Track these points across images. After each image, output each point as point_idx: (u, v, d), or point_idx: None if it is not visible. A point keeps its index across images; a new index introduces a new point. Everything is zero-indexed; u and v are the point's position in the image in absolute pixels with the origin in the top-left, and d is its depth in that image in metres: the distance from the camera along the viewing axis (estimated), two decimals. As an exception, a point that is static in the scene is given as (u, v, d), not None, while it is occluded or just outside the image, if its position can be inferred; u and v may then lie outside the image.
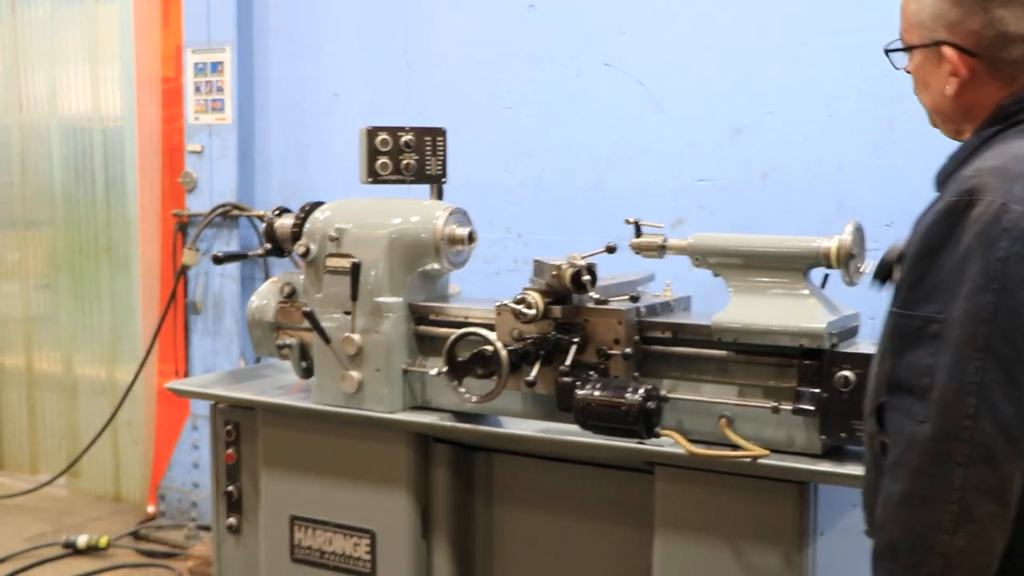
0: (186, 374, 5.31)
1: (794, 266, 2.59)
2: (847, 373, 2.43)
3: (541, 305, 2.66)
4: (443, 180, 3.17)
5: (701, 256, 2.69)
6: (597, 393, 2.53)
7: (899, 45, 1.97)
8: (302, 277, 3.14)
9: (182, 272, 5.20)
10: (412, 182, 3.16)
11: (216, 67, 5.10)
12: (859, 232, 2.63)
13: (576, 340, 2.64)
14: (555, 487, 2.85)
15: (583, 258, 2.65)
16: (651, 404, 2.49)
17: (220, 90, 5.10)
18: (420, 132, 3.15)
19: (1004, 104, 1.83)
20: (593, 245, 4.42)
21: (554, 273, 2.66)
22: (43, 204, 5.88)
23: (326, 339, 2.97)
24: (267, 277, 5.13)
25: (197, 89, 5.15)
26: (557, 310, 2.70)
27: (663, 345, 2.71)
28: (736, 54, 4.18)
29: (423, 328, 3.00)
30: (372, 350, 2.95)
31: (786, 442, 2.53)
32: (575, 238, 4.50)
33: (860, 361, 2.41)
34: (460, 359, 2.74)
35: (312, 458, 3.07)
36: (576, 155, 4.49)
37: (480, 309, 2.94)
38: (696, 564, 2.56)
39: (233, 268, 5.17)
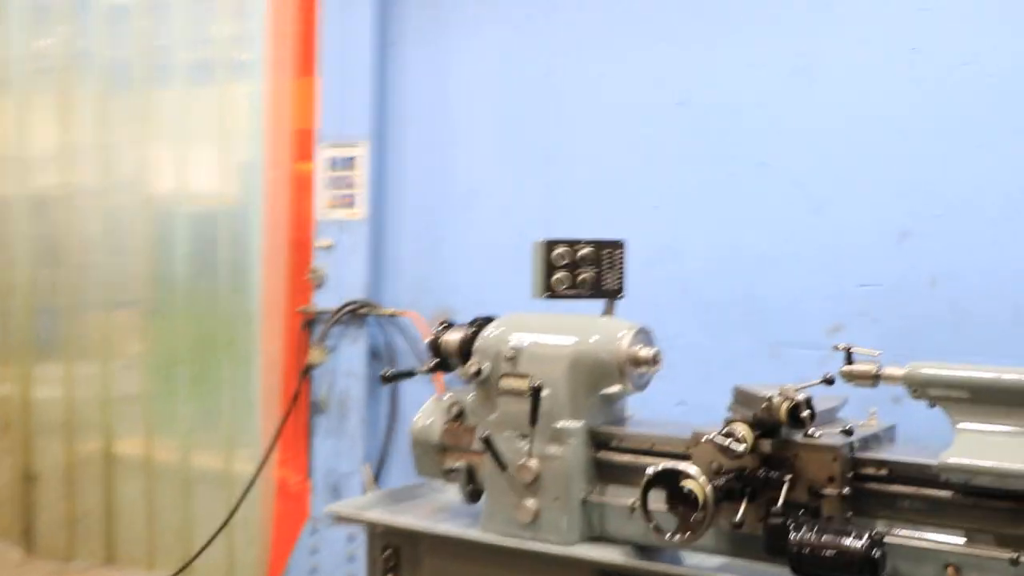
0: (307, 473, 5.17)
1: (1033, 401, 2.35)
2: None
3: (751, 440, 2.45)
4: (620, 295, 3.00)
5: (920, 387, 2.46)
6: (815, 537, 2.31)
7: None
8: (471, 396, 2.96)
9: (308, 370, 5.07)
10: (589, 297, 2.99)
11: (349, 161, 5.01)
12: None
13: (788, 478, 2.42)
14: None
15: (797, 390, 2.44)
16: (876, 552, 2.26)
17: (351, 184, 5.00)
18: (599, 245, 2.98)
19: None
20: (748, 352, 4.24)
21: (765, 406, 2.45)
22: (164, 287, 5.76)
23: (503, 466, 2.79)
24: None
25: (329, 184, 5.06)
26: (766, 444, 2.48)
27: (878, 483, 2.48)
28: (901, 152, 3.98)
29: (603, 455, 2.81)
30: (550, 477, 2.76)
31: None
32: (724, 344, 4.31)
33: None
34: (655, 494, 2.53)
35: None
36: (726, 257, 4.29)
37: (667, 436, 2.74)
38: None
39: (360, 367, 5.03)
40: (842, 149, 4.09)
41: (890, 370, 2.51)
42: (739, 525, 2.43)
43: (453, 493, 3.17)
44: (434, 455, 3.04)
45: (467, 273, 4.90)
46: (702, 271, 4.37)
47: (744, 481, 2.46)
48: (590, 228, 4.57)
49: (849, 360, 2.53)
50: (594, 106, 4.62)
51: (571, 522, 2.75)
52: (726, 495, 2.45)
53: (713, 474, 2.51)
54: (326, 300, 5.08)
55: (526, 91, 4.78)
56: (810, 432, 2.45)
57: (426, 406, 3.09)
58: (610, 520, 2.79)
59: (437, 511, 3.12)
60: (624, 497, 2.75)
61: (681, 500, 2.48)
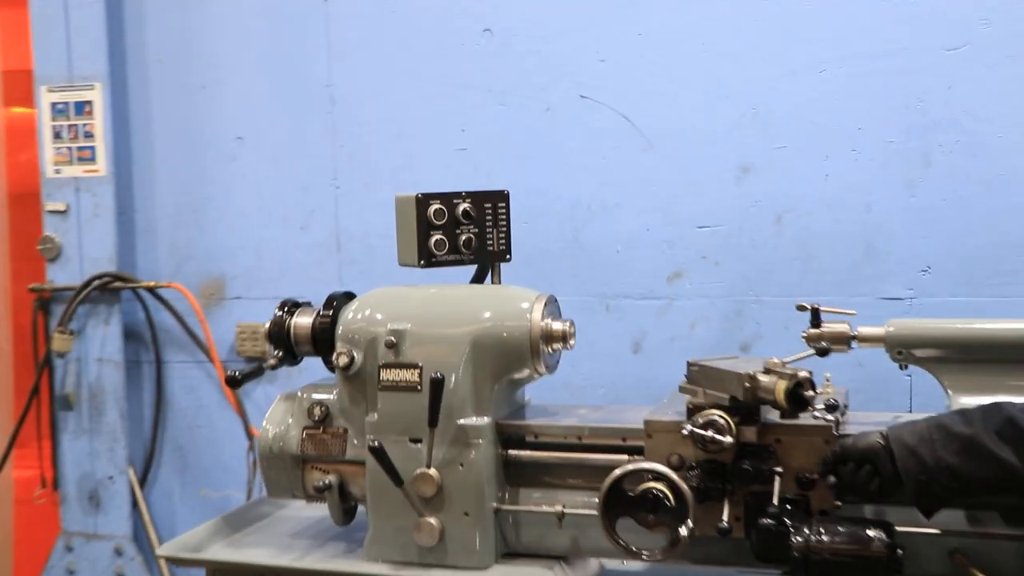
0: (54, 483, 4.35)
1: (1027, 358, 2.07)
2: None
3: (734, 429, 2.03)
4: (507, 258, 2.48)
5: (905, 348, 2.12)
6: (827, 540, 1.93)
7: None
8: (336, 393, 2.38)
9: (48, 359, 4.24)
10: (472, 262, 2.46)
11: (82, 108, 4.18)
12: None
13: (779, 471, 2.02)
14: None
15: (785, 364, 2.03)
16: (900, 550, 1.91)
17: (89, 135, 4.18)
18: (479, 198, 2.45)
19: None
20: (574, 305, 3.84)
21: (748, 386, 2.03)
22: None
23: (399, 480, 2.24)
24: (158, 358, 4.28)
25: (57, 135, 4.20)
26: (750, 432, 2.07)
27: (859, 466, 2.12)
28: (740, 82, 3.67)
29: (515, 453, 2.31)
30: (456, 489, 2.24)
31: None
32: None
33: None
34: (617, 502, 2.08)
35: None
36: (549, 203, 3.85)
37: (596, 426, 2.29)
38: None
39: (115, 353, 4.25)
40: (672, 79, 3.73)
41: (867, 330, 2.17)
42: (727, 532, 2.02)
43: (308, 511, 2.60)
44: (292, 470, 2.44)
45: (239, 235, 4.23)
46: (518, 218, 3.90)
47: (724, 477, 2.05)
48: (386, 176, 4.05)
49: (816, 321, 2.15)
50: (385, 36, 4.03)
51: (485, 539, 2.25)
52: (704, 495, 2.03)
53: (673, 468, 2.08)
54: (65, 275, 4.24)
55: (302, 20, 4.12)
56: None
57: (275, 409, 2.48)
58: (527, 531, 2.32)
59: (295, 538, 2.53)
60: (542, 503, 2.28)
61: (653, 509, 2.04)
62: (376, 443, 2.22)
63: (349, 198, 4.08)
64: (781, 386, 2.03)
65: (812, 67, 3.59)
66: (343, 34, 4.07)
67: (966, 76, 3.46)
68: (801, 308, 2.24)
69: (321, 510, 2.63)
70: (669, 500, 2.03)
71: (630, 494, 2.07)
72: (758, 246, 3.69)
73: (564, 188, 3.85)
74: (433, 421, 2.23)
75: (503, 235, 2.48)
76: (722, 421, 2.06)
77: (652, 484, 2.08)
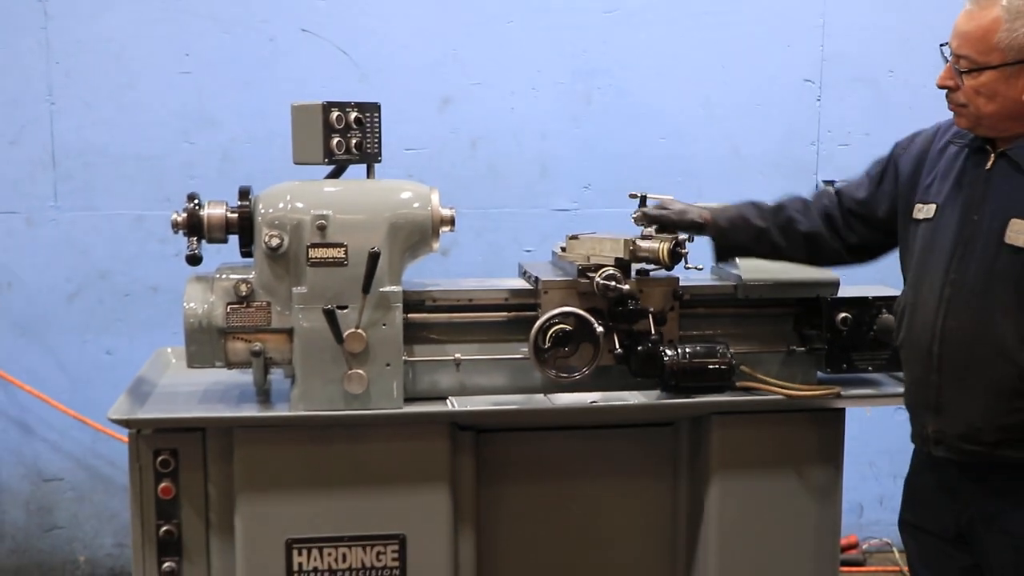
0: None
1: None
2: (846, 314, 2.90)
3: (624, 280, 2.74)
4: (379, 159, 2.96)
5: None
6: (687, 358, 2.72)
7: (969, 67, 2.34)
8: (256, 272, 2.72)
9: None
10: (358, 162, 2.91)
11: None
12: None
13: (651, 310, 2.76)
14: (567, 455, 2.93)
15: (643, 237, 2.78)
16: (733, 361, 2.76)
17: None
18: (363, 107, 2.90)
19: None
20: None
21: (632, 248, 2.75)
22: None
23: (340, 338, 2.66)
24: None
25: None
26: (632, 283, 2.78)
27: (690, 307, 2.96)
28: (442, 26, 4.33)
29: (414, 316, 2.83)
30: (380, 344, 2.71)
31: (802, 379, 2.95)
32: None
33: (854, 303, 2.90)
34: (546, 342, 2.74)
35: (314, 472, 2.73)
36: (270, 125, 4.24)
37: (482, 290, 2.88)
38: (754, 496, 2.89)
39: None
40: (385, 19, 4.29)
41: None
42: (622, 355, 2.74)
43: (207, 377, 2.91)
44: (216, 341, 2.73)
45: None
46: (242, 143, 4.27)
47: (605, 319, 2.75)
48: (105, 95, 4.21)
49: (644, 204, 2.89)
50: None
51: (399, 385, 2.74)
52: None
53: (563, 317, 2.74)
54: None
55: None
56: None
57: (194, 289, 2.73)
58: (422, 378, 2.84)
59: (220, 399, 2.86)
60: (435, 354, 2.83)
61: (566, 343, 2.70)
62: (330, 307, 2.63)
63: (66, 115, 4.15)
64: (664, 247, 2.76)
65: (502, 17, 4.35)
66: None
67: (618, 34, 4.42)
68: (633, 196, 2.97)
69: (194, 379, 2.98)
70: (580, 329, 2.70)
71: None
72: (457, 166, 4.39)
73: (285, 115, 4.25)
74: (367, 288, 2.67)
75: (377, 140, 2.94)
76: (618, 274, 2.75)
77: (560, 325, 2.72)
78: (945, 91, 2.41)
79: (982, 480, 2.41)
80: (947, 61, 2.38)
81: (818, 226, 2.75)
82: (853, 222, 2.72)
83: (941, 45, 2.39)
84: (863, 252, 2.74)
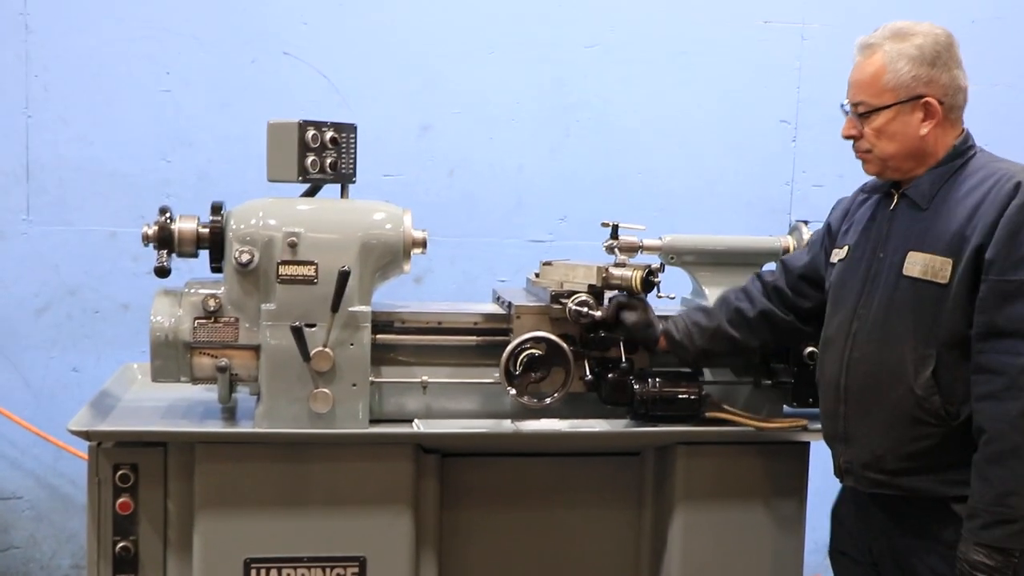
0: None
1: (757, 261, 3.01)
2: (812, 348, 2.90)
3: (597, 307, 2.75)
4: (353, 180, 2.96)
5: (676, 254, 2.97)
6: (657, 388, 2.72)
7: (866, 110, 2.47)
8: (225, 288, 2.70)
9: None
10: (332, 181, 2.90)
11: None
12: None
13: (622, 338, 2.76)
14: (532, 481, 2.92)
15: (615, 266, 2.79)
16: (703, 392, 2.76)
17: None
18: (339, 128, 2.90)
19: (956, 144, 2.51)
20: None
21: (604, 275, 2.75)
22: None
23: (307, 357, 2.64)
24: None
25: None
26: (604, 309, 2.79)
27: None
28: (423, 54, 4.36)
29: (383, 337, 2.81)
30: (347, 364, 2.69)
31: (769, 411, 2.95)
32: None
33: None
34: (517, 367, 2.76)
35: (275, 491, 2.70)
36: (249, 147, 4.24)
37: (453, 313, 2.87)
38: (717, 527, 2.89)
39: None
40: (367, 45, 4.31)
41: (650, 242, 2.96)
42: (592, 382, 2.74)
43: (172, 393, 2.89)
44: (182, 356, 2.71)
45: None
46: (220, 163, 4.27)
47: (584, 344, 2.76)
48: (83, 111, 4.20)
49: (615, 235, 2.90)
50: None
51: (364, 406, 2.72)
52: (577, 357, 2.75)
53: (535, 342, 2.73)
54: None
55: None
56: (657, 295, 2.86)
57: (161, 303, 2.72)
58: (389, 400, 2.83)
59: (183, 415, 2.83)
60: (403, 376, 2.82)
61: (537, 368, 2.71)
62: (298, 324, 2.61)
63: (42, 128, 4.14)
64: (638, 275, 2.76)
65: (484, 48, 4.37)
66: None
67: (598, 68, 4.45)
68: (605, 225, 2.97)
69: (159, 395, 2.96)
70: (552, 354, 2.70)
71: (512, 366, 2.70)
72: (432, 194, 4.39)
73: (263, 137, 4.25)
74: (336, 307, 2.66)
75: (352, 160, 2.94)
76: (592, 300, 2.75)
77: (531, 349, 2.72)
78: (852, 142, 2.54)
79: (895, 513, 2.48)
80: (847, 114, 2.52)
81: (765, 304, 2.83)
82: (803, 287, 2.81)
83: (841, 104, 2.53)
84: (819, 316, 2.74)
